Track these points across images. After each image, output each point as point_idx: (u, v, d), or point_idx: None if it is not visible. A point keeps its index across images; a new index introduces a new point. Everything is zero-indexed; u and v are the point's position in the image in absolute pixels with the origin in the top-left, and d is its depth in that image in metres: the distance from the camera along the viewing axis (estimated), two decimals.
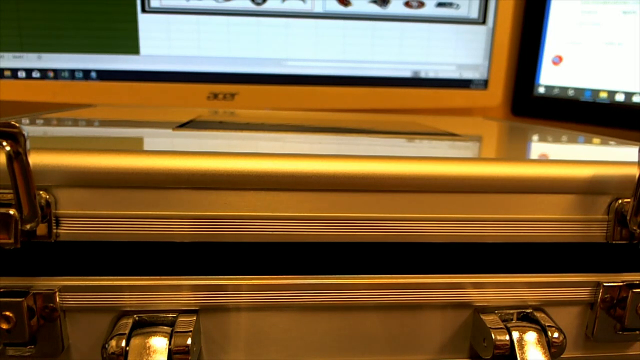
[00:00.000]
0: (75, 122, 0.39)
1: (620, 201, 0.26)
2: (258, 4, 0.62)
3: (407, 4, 0.64)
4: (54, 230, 0.24)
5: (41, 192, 0.23)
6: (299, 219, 0.25)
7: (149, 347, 0.23)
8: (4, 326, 0.23)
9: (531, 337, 0.26)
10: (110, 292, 0.25)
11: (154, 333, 0.24)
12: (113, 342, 0.23)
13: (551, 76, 0.70)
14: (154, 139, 0.32)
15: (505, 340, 0.25)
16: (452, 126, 0.48)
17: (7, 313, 0.23)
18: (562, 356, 0.26)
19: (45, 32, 0.60)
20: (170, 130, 0.35)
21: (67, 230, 0.24)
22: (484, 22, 0.65)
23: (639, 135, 0.63)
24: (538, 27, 0.70)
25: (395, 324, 0.27)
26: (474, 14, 0.65)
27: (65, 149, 0.24)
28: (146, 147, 0.28)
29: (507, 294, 0.27)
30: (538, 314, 0.27)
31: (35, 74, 0.61)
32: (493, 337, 0.25)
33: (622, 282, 0.27)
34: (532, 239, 0.27)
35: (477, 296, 0.27)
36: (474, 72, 0.67)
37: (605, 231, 0.27)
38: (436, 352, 0.28)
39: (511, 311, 0.27)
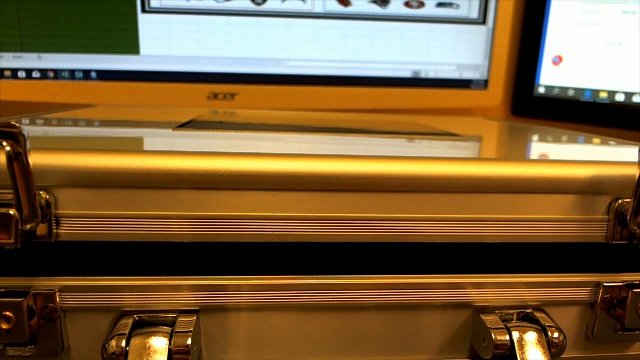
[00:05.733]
0: (75, 122, 0.39)
1: (620, 201, 0.26)
2: (258, 4, 0.62)
3: (407, 4, 0.64)
4: (54, 230, 0.24)
5: (41, 192, 0.23)
6: (299, 219, 0.25)
7: (149, 347, 0.23)
8: (4, 326, 0.23)
9: (531, 337, 0.26)
10: (110, 292, 0.25)
11: (154, 333, 0.24)
12: (113, 342, 0.23)
13: (551, 76, 0.70)
14: (154, 139, 0.32)
15: (505, 340, 0.25)
16: (452, 126, 0.48)
17: (7, 313, 0.23)
18: (562, 356, 0.26)
19: (45, 32, 0.60)
20: (170, 130, 0.35)
21: (67, 230, 0.24)
22: (484, 22, 0.65)
23: (639, 135, 0.63)
24: (538, 27, 0.70)
25: (395, 324, 0.27)
26: (474, 14, 0.65)
27: (65, 149, 0.24)
28: (146, 147, 0.28)
29: (507, 294, 0.27)
30: (538, 314, 0.27)
31: (35, 74, 0.61)
32: (493, 337, 0.25)
33: (622, 282, 0.27)
34: (532, 239, 0.27)
35: (477, 296, 0.27)
36: (474, 72, 0.67)
37: (605, 231, 0.27)
38: (436, 352, 0.28)
39: (511, 311, 0.27)
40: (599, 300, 0.27)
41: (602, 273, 0.28)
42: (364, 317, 0.27)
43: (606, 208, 0.27)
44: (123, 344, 0.23)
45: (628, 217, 0.26)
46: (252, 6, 0.62)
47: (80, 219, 0.24)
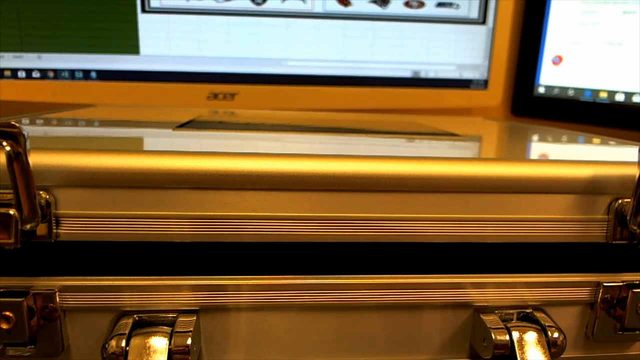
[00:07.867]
0: (75, 122, 0.39)
1: (620, 201, 0.26)
2: (258, 4, 0.62)
3: (407, 4, 0.64)
4: (54, 230, 0.24)
5: (41, 192, 0.23)
6: (299, 219, 0.25)
7: (149, 347, 0.23)
8: (4, 326, 0.23)
9: (531, 337, 0.26)
10: (110, 292, 0.25)
11: (154, 333, 0.24)
12: (113, 342, 0.23)
13: (551, 76, 0.70)
14: (154, 139, 0.32)
15: (505, 340, 0.25)
16: (452, 126, 0.48)
17: (7, 313, 0.23)
18: (562, 356, 0.26)
19: (45, 32, 0.60)
20: (170, 130, 0.35)
21: (67, 230, 0.24)
22: (484, 22, 0.65)
23: (639, 135, 0.63)
24: (538, 27, 0.70)
25: (395, 324, 0.27)
26: (474, 14, 0.65)
27: (65, 149, 0.24)
28: (146, 147, 0.28)
29: (507, 294, 0.27)
30: (538, 314, 0.27)
31: (35, 74, 0.61)
32: (493, 337, 0.25)
33: (622, 282, 0.27)
34: (532, 239, 0.27)
35: (477, 296, 0.27)
36: (474, 72, 0.67)
37: (605, 231, 0.27)
38: (436, 352, 0.28)
39: (511, 311, 0.27)
40: (599, 300, 0.27)
41: (602, 273, 0.28)
42: (364, 317, 0.27)
43: (606, 208, 0.27)
44: (123, 344, 0.23)
45: (628, 217, 0.26)
46: (252, 6, 0.62)
47: (80, 219, 0.24)
